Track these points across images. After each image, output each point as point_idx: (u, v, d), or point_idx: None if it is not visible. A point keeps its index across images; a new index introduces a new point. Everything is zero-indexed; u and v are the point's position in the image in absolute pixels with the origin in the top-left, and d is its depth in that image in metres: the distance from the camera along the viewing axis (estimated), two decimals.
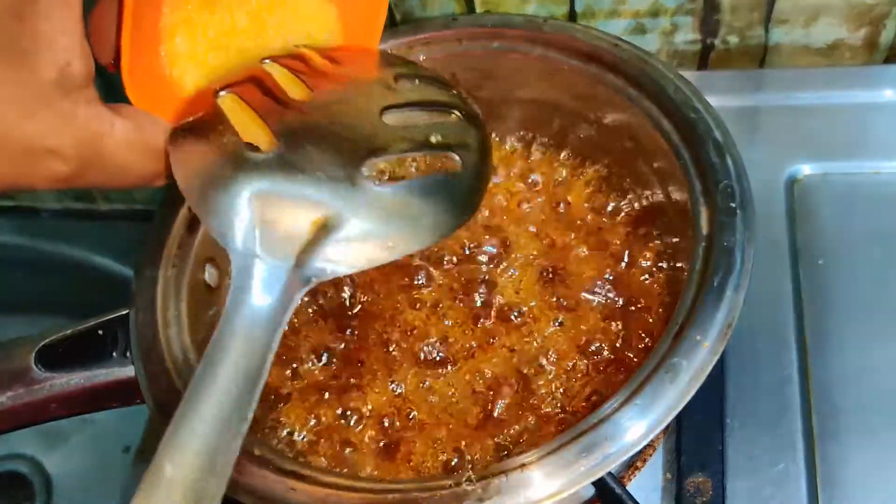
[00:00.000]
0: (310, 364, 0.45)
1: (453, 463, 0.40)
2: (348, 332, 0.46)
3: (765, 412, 0.46)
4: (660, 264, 0.44)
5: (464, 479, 0.32)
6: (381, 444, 0.42)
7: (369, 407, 0.43)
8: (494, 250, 0.47)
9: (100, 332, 0.42)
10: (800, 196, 0.54)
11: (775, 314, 0.49)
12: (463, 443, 0.41)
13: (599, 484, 0.35)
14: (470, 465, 0.40)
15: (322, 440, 0.42)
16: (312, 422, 0.43)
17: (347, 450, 0.42)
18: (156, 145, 0.33)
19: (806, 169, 0.54)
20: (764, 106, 0.58)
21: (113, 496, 0.53)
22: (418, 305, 0.46)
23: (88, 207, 0.85)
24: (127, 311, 0.42)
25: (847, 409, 0.45)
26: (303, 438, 0.43)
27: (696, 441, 0.45)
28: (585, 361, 0.42)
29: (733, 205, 0.36)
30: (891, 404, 0.45)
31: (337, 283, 0.47)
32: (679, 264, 0.42)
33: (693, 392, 0.32)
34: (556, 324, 0.44)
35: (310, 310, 0.48)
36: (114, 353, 0.41)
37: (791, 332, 0.48)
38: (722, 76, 0.60)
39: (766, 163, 0.54)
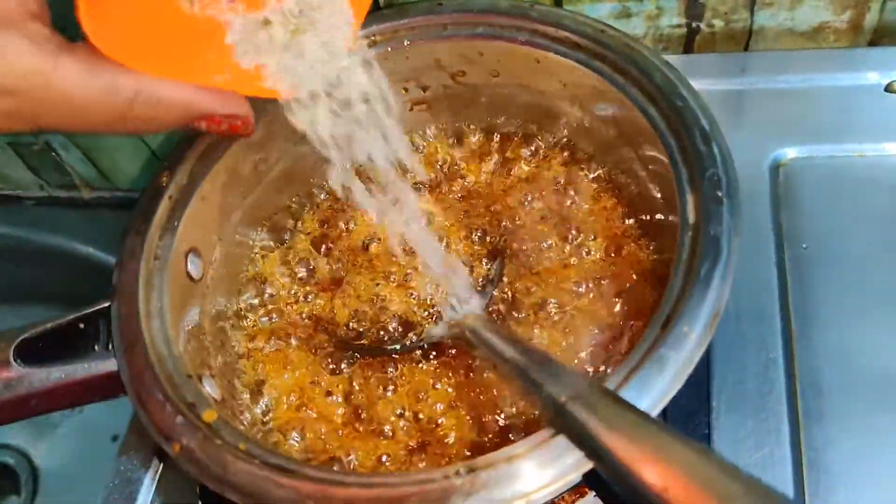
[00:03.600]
0: None
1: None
2: None
3: (750, 396, 0.46)
4: (646, 252, 0.44)
5: (452, 472, 0.31)
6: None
7: None
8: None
9: (81, 325, 0.41)
10: (784, 179, 0.53)
11: (760, 298, 0.49)
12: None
13: (588, 471, 0.35)
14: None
15: None
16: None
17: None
18: (114, 89, 0.30)
19: (790, 152, 0.54)
20: (749, 89, 0.57)
21: (101, 487, 0.52)
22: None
23: (72, 196, 0.84)
24: (108, 304, 0.41)
25: (832, 393, 0.45)
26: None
27: (682, 425, 0.45)
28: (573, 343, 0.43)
29: (720, 193, 0.36)
30: (876, 387, 0.45)
31: None
32: (665, 253, 0.42)
33: (681, 383, 0.32)
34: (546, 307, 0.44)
35: None
36: (95, 347, 0.41)
37: (776, 315, 0.48)
38: (707, 59, 0.60)
39: (751, 146, 0.54)
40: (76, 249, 0.81)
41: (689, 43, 0.61)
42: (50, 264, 0.81)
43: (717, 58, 0.60)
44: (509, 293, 0.46)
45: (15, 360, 0.40)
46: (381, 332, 0.46)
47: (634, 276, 0.44)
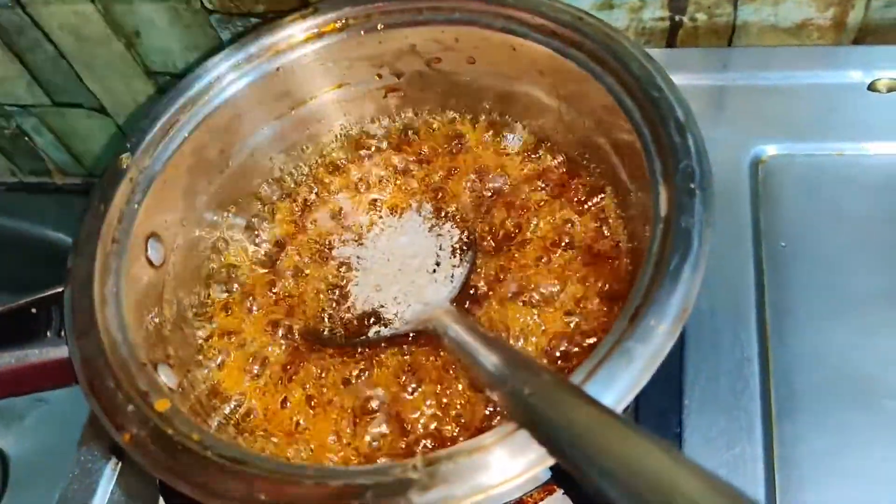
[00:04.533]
0: None
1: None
2: None
3: (723, 394, 0.45)
4: (618, 244, 0.43)
5: (409, 465, 0.30)
6: None
7: None
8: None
9: (33, 310, 0.40)
10: (764, 176, 0.53)
11: (736, 295, 0.48)
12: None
13: (556, 468, 0.34)
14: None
15: None
16: None
17: None
18: None
19: (771, 149, 0.53)
20: (730, 85, 0.57)
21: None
22: None
23: (43, 181, 0.83)
24: (62, 289, 0.40)
25: (806, 391, 0.44)
26: None
27: (654, 422, 0.44)
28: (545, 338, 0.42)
29: (693, 185, 0.35)
30: (849, 386, 0.44)
31: None
32: (637, 244, 0.41)
33: (649, 376, 0.31)
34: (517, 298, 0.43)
35: None
36: (48, 333, 0.39)
37: (752, 313, 0.47)
38: (689, 54, 0.59)
39: (731, 142, 0.53)
40: (47, 235, 0.80)
41: (671, 37, 0.60)
42: (20, 250, 0.80)
43: (700, 52, 0.59)
44: (479, 284, 0.45)
45: None
46: (347, 325, 0.45)
47: (606, 269, 0.43)
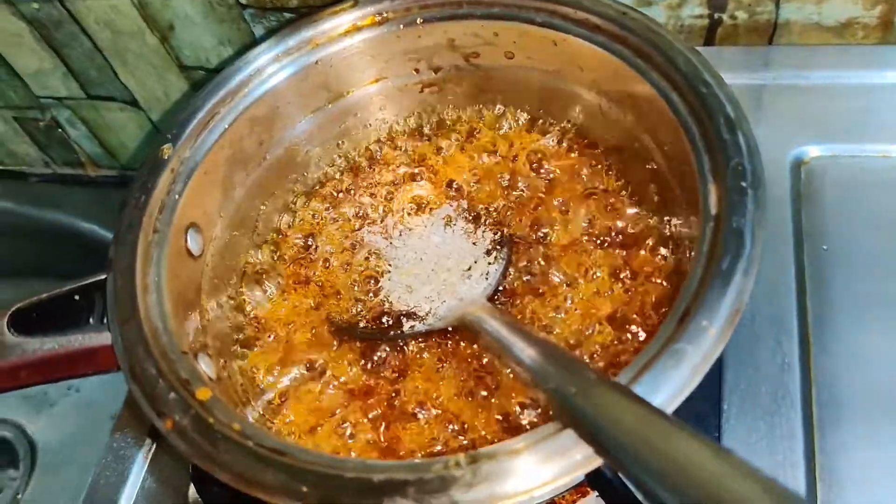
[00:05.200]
0: None
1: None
2: None
3: (763, 400, 0.44)
4: (664, 245, 0.42)
5: (452, 462, 0.30)
6: None
7: None
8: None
9: (76, 297, 0.40)
10: (806, 178, 0.52)
11: (777, 299, 0.47)
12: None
13: (591, 471, 0.33)
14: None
15: None
16: None
17: None
18: None
19: (813, 151, 0.52)
20: (771, 84, 0.56)
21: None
22: None
23: (77, 173, 0.84)
24: (104, 276, 0.40)
25: (849, 399, 0.43)
26: None
27: (692, 426, 0.43)
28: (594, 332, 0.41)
29: (744, 184, 0.34)
30: (893, 394, 0.43)
31: None
32: (685, 244, 0.40)
33: (699, 379, 0.30)
34: (567, 300, 0.43)
35: None
36: (90, 319, 0.40)
37: (793, 318, 0.47)
38: (729, 52, 0.58)
39: (772, 143, 0.52)
40: (80, 227, 0.81)
41: (710, 35, 0.59)
42: (54, 240, 0.82)
43: (740, 51, 0.58)
44: (516, 280, 0.45)
45: (9, 329, 0.39)
46: (381, 320, 0.45)
47: (650, 268, 0.42)
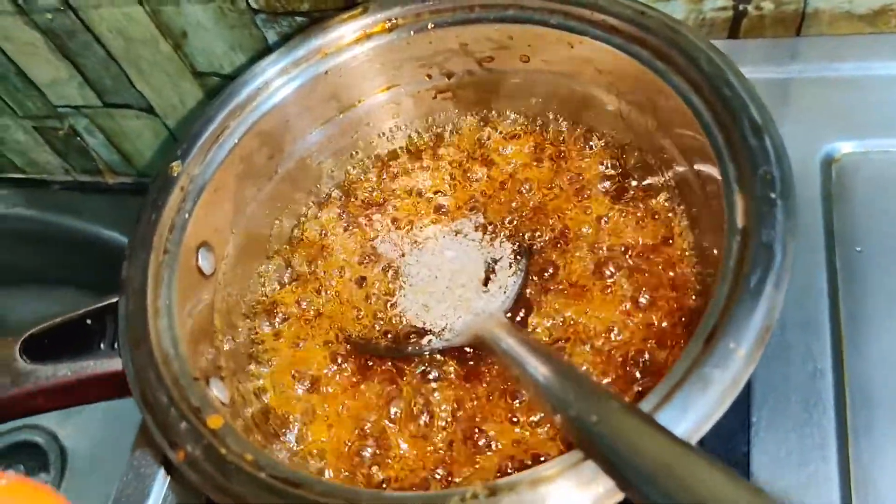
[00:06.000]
0: None
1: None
2: None
3: (794, 409, 0.43)
4: (685, 255, 0.40)
5: (469, 494, 0.29)
6: None
7: None
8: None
9: (88, 321, 0.40)
10: (837, 176, 0.50)
11: (808, 304, 0.45)
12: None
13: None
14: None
15: None
16: None
17: None
18: None
19: (844, 147, 0.50)
20: (799, 77, 0.54)
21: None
22: None
23: (96, 180, 0.84)
24: (116, 300, 0.39)
25: (884, 406, 0.42)
26: None
27: (719, 441, 0.42)
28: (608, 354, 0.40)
29: (773, 194, 0.32)
30: None
31: None
32: (704, 253, 0.39)
33: (727, 406, 0.29)
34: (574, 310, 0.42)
35: None
36: (101, 345, 0.39)
37: (825, 323, 0.45)
38: (754, 45, 0.56)
39: (801, 140, 0.50)
40: (100, 234, 0.82)
41: (734, 27, 0.57)
42: (73, 248, 0.83)
43: (766, 43, 0.56)
44: (535, 293, 0.43)
45: (21, 356, 0.39)
46: (396, 337, 0.44)
47: (674, 282, 0.41)
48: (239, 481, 0.32)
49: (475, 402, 0.41)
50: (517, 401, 0.40)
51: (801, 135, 0.50)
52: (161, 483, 0.47)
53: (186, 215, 0.41)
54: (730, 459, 0.41)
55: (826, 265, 0.46)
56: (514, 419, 0.39)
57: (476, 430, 0.39)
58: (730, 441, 0.42)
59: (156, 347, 0.37)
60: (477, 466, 0.38)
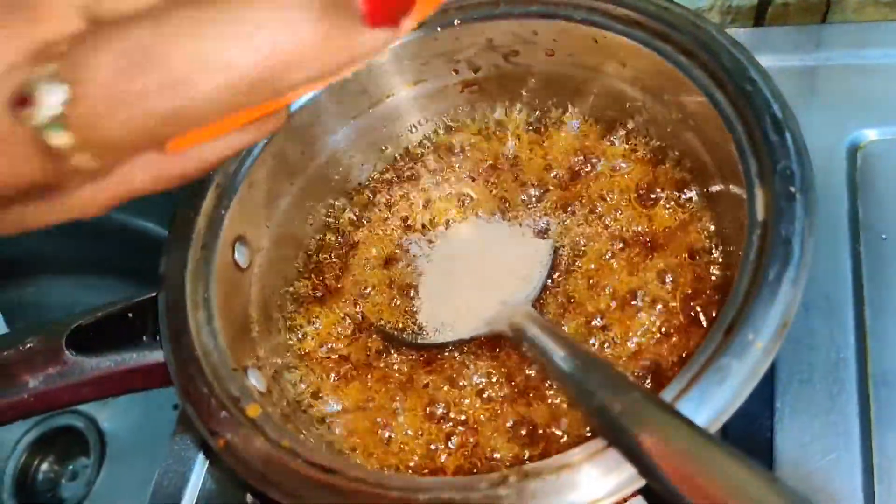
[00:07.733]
0: None
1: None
2: None
3: (818, 397, 0.43)
4: (711, 250, 0.41)
5: (498, 479, 0.30)
6: None
7: None
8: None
9: (129, 314, 0.41)
10: (863, 163, 0.50)
11: (832, 292, 0.46)
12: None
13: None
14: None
15: None
16: None
17: None
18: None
19: (870, 134, 0.50)
20: (825, 65, 0.53)
21: (163, 453, 0.53)
22: None
23: None
24: (155, 294, 0.41)
25: None
26: None
27: (743, 428, 0.43)
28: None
29: (792, 189, 0.33)
30: None
31: None
32: (726, 245, 0.39)
33: (745, 396, 0.29)
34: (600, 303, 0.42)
35: None
36: (144, 337, 0.41)
37: (849, 311, 0.45)
38: (779, 33, 0.56)
39: (827, 128, 0.50)
40: (135, 224, 0.83)
41: (759, 15, 0.57)
42: (109, 238, 0.83)
43: (791, 31, 0.56)
44: (561, 285, 0.44)
45: (67, 349, 0.41)
46: (423, 327, 0.45)
47: (691, 270, 0.42)
48: (277, 468, 0.33)
49: (503, 390, 0.42)
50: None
51: (827, 122, 0.50)
52: (200, 468, 0.49)
53: (223, 212, 0.43)
54: (753, 445, 0.42)
55: (850, 252, 0.47)
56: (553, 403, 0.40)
57: (508, 417, 0.40)
58: (753, 427, 0.43)
59: (196, 340, 0.38)
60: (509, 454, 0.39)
